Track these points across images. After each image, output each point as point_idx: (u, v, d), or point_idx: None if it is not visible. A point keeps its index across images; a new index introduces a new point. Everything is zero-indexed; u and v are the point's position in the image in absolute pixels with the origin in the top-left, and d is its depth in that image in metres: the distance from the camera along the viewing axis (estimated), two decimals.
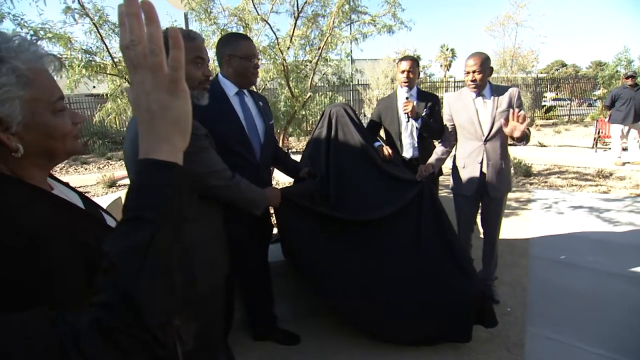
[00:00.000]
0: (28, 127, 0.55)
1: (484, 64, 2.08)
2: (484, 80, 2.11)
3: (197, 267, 1.28)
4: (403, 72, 2.41)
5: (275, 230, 2.92)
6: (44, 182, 0.63)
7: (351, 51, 4.43)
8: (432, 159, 2.30)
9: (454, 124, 2.31)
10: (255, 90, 3.40)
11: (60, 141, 0.61)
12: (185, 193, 0.45)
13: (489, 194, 2.24)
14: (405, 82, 2.42)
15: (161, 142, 0.44)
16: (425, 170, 2.13)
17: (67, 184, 0.72)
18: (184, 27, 3.96)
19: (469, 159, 2.24)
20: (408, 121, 2.44)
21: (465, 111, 2.21)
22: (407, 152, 2.52)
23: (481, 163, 2.20)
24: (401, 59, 2.48)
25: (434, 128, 2.39)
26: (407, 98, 2.34)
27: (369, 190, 2.10)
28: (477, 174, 2.21)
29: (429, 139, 2.53)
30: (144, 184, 0.43)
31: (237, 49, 1.59)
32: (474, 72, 2.08)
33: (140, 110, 0.43)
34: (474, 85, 2.12)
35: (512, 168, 2.25)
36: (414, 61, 2.45)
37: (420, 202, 2.00)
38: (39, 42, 0.62)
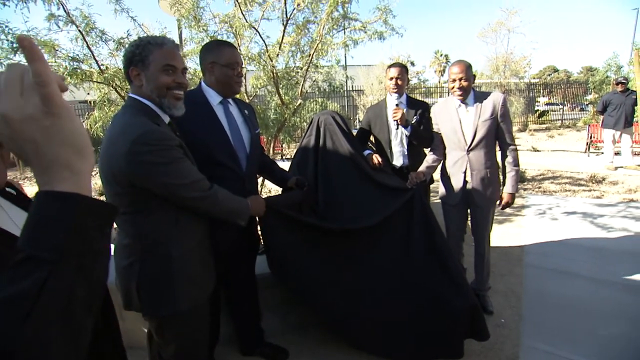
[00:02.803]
0: None
1: (469, 71, 2.08)
2: (469, 87, 2.12)
3: (178, 284, 1.24)
4: (392, 79, 2.38)
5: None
6: None
7: (345, 58, 4.42)
8: (422, 167, 2.27)
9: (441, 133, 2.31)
10: (246, 97, 3.38)
11: None
12: (93, 225, 0.40)
13: (475, 203, 2.23)
14: (394, 89, 2.39)
15: (58, 170, 0.38)
16: (416, 177, 2.09)
17: (13, 195, 0.66)
18: (177, 35, 3.92)
19: (454, 168, 2.24)
20: (397, 129, 2.40)
21: (449, 120, 2.20)
22: (397, 160, 2.48)
23: (465, 172, 2.19)
24: (390, 66, 2.45)
25: (424, 136, 2.36)
26: (396, 105, 2.31)
27: (358, 199, 2.05)
28: (461, 184, 2.21)
29: (419, 146, 2.49)
30: (41, 219, 0.37)
31: (220, 57, 1.55)
32: (460, 79, 2.07)
33: (23, 144, 0.38)
34: (460, 93, 2.11)
35: (501, 177, 2.21)
36: (403, 68, 2.42)
37: (410, 211, 1.96)
38: None
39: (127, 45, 1.22)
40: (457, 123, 2.16)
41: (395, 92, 2.40)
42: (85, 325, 0.38)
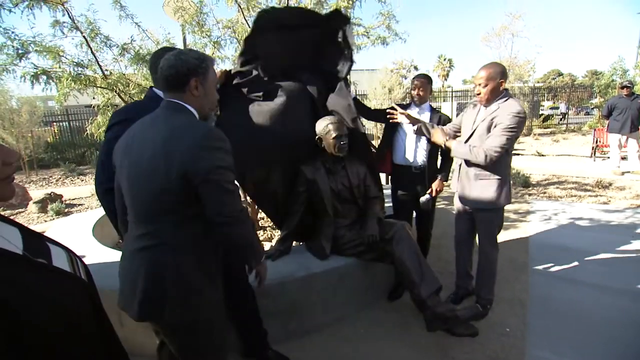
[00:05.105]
0: None
1: (490, 77, 2.01)
2: (490, 93, 2.04)
3: (204, 288, 1.18)
4: (414, 89, 2.57)
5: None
6: None
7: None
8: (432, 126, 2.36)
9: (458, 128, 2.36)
10: None
11: None
12: None
13: (469, 205, 2.25)
14: (416, 100, 2.58)
15: None
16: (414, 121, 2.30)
17: (7, 219, 0.65)
18: (181, 40, 3.94)
19: (457, 161, 2.32)
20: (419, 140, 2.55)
21: (470, 119, 2.21)
22: (410, 157, 2.56)
23: (460, 165, 2.25)
24: (414, 77, 2.63)
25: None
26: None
27: None
28: (457, 178, 2.30)
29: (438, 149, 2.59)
30: None
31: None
32: (479, 84, 2.07)
33: None
34: (479, 99, 2.11)
35: (497, 186, 2.15)
36: (425, 79, 2.57)
37: None
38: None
39: (167, 58, 1.19)
40: (472, 123, 2.17)
41: (417, 102, 2.58)
42: None
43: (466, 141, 2.15)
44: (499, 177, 2.10)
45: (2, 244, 0.58)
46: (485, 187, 2.11)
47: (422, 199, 2.54)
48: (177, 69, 1.18)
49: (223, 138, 1.16)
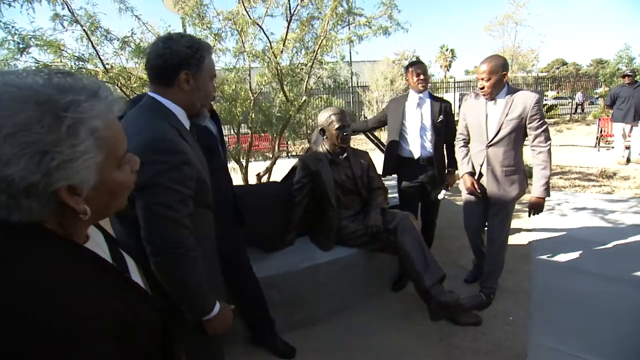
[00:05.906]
0: (96, 188, 0.49)
1: (493, 71, 2.01)
2: (493, 87, 2.04)
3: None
4: (418, 75, 2.49)
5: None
6: (83, 235, 0.55)
7: (350, 53, 4.37)
8: (464, 169, 2.30)
9: (466, 131, 2.32)
10: (250, 94, 3.37)
11: (120, 197, 0.54)
12: None
13: (488, 198, 2.22)
14: (422, 87, 2.51)
15: None
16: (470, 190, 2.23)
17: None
18: (181, 31, 3.93)
19: (473, 158, 2.28)
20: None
21: (476, 114, 2.19)
22: (415, 150, 2.55)
23: (481, 165, 2.20)
24: (413, 64, 2.59)
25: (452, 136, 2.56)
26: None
27: None
28: (476, 175, 2.25)
29: (444, 138, 2.59)
30: None
31: None
32: (482, 79, 2.06)
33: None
34: (483, 93, 2.09)
35: (521, 177, 2.18)
36: (424, 64, 2.57)
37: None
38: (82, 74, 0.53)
39: (155, 44, 1.04)
40: (484, 118, 2.14)
41: (423, 89, 2.52)
42: None
43: (490, 142, 2.12)
44: (520, 169, 2.17)
45: (100, 252, 0.54)
46: (514, 181, 2.17)
47: (440, 195, 2.57)
48: (166, 58, 1.01)
49: (169, 150, 0.95)
